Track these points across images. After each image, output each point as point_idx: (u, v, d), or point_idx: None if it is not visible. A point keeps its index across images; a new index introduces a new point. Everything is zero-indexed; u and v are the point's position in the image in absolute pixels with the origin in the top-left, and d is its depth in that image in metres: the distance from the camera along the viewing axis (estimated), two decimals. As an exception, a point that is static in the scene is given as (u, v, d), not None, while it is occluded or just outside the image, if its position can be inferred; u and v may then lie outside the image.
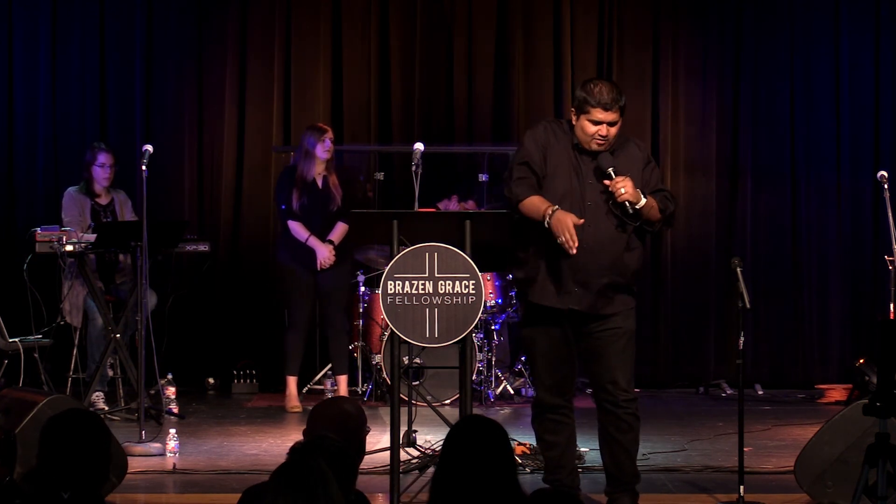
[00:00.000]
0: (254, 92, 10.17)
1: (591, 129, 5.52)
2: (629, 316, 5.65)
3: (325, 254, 8.72)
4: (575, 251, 5.36)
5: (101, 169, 8.72)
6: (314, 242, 8.71)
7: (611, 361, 5.59)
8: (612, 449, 5.66)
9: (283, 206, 8.74)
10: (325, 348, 9.19)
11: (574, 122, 5.58)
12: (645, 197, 5.49)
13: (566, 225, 5.37)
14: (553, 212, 5.41)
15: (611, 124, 5.51)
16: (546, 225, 5.42)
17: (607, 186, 5.49)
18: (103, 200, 8.80)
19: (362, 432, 4.32)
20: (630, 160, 5.61)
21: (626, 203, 5.45)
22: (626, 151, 5.65)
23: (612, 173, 5.47)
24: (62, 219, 8.64)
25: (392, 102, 10.25)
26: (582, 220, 5.40)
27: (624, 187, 5.43)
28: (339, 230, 8.78)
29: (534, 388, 5.82)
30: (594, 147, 5.54)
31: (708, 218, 10.23)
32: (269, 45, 10.16)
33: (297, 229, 8.72)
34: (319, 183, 8.77)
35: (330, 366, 9.17)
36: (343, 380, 8.92)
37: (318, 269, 8.71)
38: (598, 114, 5.49)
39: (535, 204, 5.51)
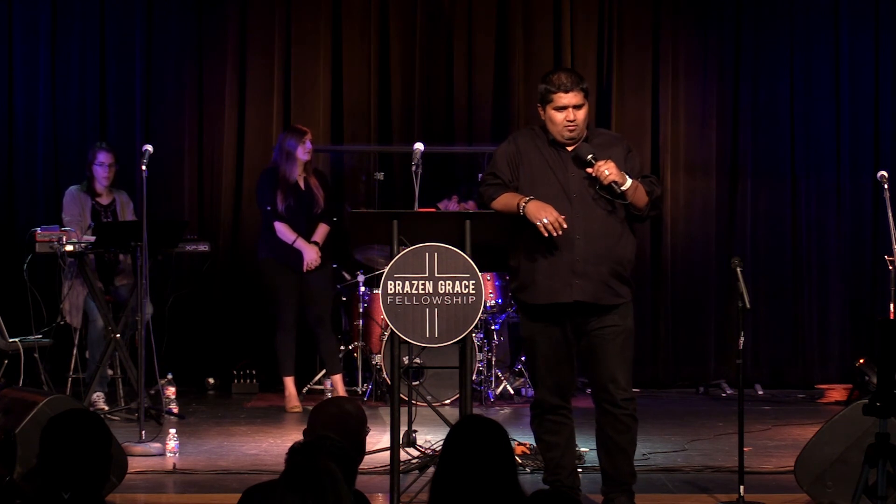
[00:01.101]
0: (254, 92, 10.17)
1: (559, 116, 5.55)
2: (627, 314, 5.65)
3: (312, 256, 8.72)
4: (560, 233, 5.39)
5: (101, 168, 8.72)
6: (301, 244, 8.71)
7: (609, 360, 5.59)
8: (608, 449, 5.67)
9: (269, 208, 8.73)
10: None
11: (543, 118, 5.61)
12: (630, 179, 5.51)
13: (543, 207, 5.42)
14: (527, 201, 5.46)
15: (576, 108, 5.54)
16: (522, 213, 5.44)
17: (590, 174, 5.51)
18: (104, 200, 8.80)
19: (362, 432, 4.32)
20: (610, 150, 5.62)
21: (613, 184, 5.47)
22: (605, 141, 5.68)
23: (593, 160, 5.50)
24: (62, 218, 8.64)
25: (392, 102, 10.25)
26: (563, 217, 5.42)
27: (608, 169, 5.46)
28: (322, 231, 8.81)
29: (534, 389, 5.81)
30: (566, 135, 5.56)
31: (708, 218, 10.23)
32: (269, 45, 10.16)
33: (285, 231, 8.72)
34: (302, 185, 8.77)
35: (328, 367, 9.20)
36: (338, 379, 8.91)
37: (305, 270, 8.72)
38: (561, 98, 5.53)
39: (506, 199, 5.55)
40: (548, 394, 5.67)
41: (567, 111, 5.53)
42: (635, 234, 5.71)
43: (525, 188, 5.56)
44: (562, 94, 5.53)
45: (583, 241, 5.50)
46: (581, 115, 5.56)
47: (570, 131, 5.56)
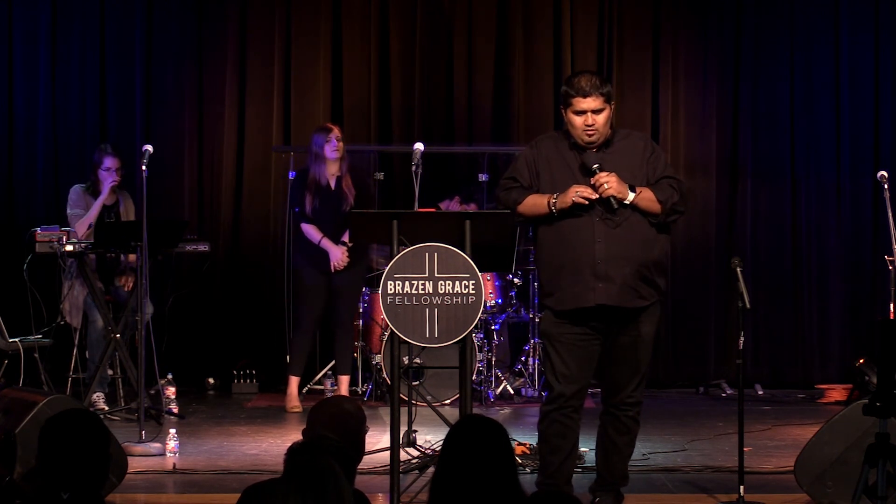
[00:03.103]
0: (254, 92, 10.17)
1: (578, 120, 5.56)
2: (652, 317, 5.61)
3: (338, 256, 8.70)
4: (596, 195, 5.42)
5: (108, 173, 8.66)
6: (327, 244, 8.69)
7: (629, 368, 5.61)
8: (606, 448, 5.70)
9: (297, 210, 8.72)
10: (328, 347, 9.18)
11: (566, 121, 5.62)
12: (633, 191, 5.49)
13: (565, 192, 5.46)
14: (556, 196, 5.49)
15: (596, 112, 5.54)
16: (554, 210, 5.47)
17: (592, 183, 5.51)
18: (109, 201, 8.78)
19: (362, 432, 4.32)
20: (630, 153, 5.62)
21: (612, 198, 5.46)
22: (627, 143, 5.67)
23: (597, 170, 5.50)
24: (67, 213, 8.63)
25: (392, 102, 10.25)
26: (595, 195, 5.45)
27: (607, 182, 5.45)
28: None
29: (548, 387, 5.75)
30: (586, 139, 5.56)
31: (708, 218, 10.22)
32: (269, 45, 10.16)
33: (310, 231, 8.71)
34: (332, 184, 8.75)
35: (330, 365, 9.19)
36: (345, 380, 8.92)
37: (332, 270, 8.70)
38: (580, 103, 5.54)
39: (534, 200, 5.57)
40: (560, 387, 5.58)
41: (586, 115, 5.54)
42: (667, 232, 5.67)
43: (546, 192, 5.57)
44: (580, 99, 5.53)
45: (604, 244, 5.48)
46: (601, 119, 5.55)
47: (589, 135, 5.56)
